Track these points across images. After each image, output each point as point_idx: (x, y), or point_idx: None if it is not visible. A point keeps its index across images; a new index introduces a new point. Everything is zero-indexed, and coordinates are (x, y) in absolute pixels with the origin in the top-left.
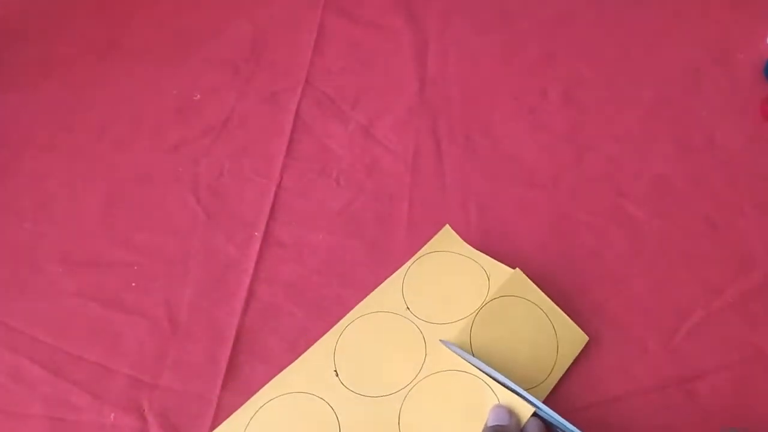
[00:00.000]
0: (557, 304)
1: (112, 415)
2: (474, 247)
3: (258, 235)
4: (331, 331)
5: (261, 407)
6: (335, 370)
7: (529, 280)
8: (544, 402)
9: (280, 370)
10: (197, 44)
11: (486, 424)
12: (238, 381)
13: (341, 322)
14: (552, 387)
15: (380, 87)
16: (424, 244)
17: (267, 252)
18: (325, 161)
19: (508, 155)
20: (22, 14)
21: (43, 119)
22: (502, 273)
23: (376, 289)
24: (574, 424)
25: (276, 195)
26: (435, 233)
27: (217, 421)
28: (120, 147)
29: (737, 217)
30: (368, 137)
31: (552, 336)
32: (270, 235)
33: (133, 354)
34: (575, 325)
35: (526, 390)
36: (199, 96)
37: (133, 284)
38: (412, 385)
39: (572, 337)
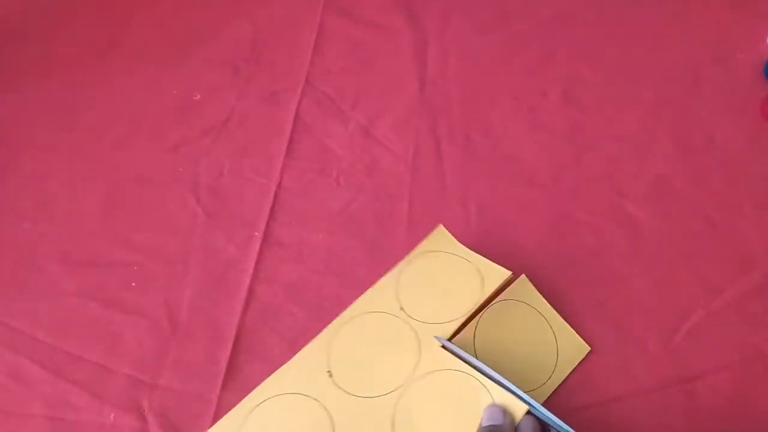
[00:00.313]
0: (557, 304)
1: (112, 415)
2: (474, 247)
3: (258, 235)
4: (324, 331)
5: (254, 409)
6: (329, 371)
7: (533, 288)
8: (543, 403)
9: None
10: (197, 44)
11: (480, 424)
12: (238, 381)
13: (335, 322)
14: (550, 392)
15: (380, 87)
16: None
17: (267, 252)
18: (325, 161)
19: (508, 155)
20: (22, 14)
21: (43, 119)
22: (496, 274)
23: (370, 289)
24: (570, 425)
25: (276, 195)
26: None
27: (217, 421)
28: (120, 147)
29: (737, 217)
30: (368, 137)
31: (552, 343)
32: (270, 235)
33: (133, 354)
34: (577, 335)
35: (526, 392)
36: (199, 96)
37: (133, 284)
38: (406, 385)
39: (573, 346)
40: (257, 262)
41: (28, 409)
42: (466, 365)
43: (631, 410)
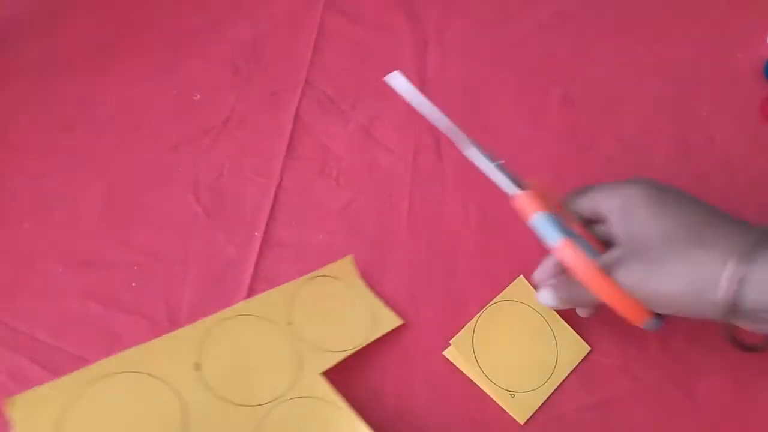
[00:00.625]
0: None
1: None
2: (475, 247)
3: (258, 235)
4: (204, 320)
5: (100, 379)
6: (197, 363)
7: (531, 288)
8: (542, 404)
9: None
10: (197, 44)
11: None
12: None
13: (218, 314)
14: (550, 392)
15: (380, 87)
16: (425, 244)
17: (267, 252)
18: (325, 161)
19: (508, 155)
20: (22, 14)
21: (43, 119)
22: (388, 320)
23: (265, 293)
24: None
25: (276, 195)
26: (435, 233)
27: None
28: (120, 147)
29: (737, 216)
30: (368, 137)
31: (552, 343)
32: (270, 235)
33: None
34: (577, 335)
35: (526, 392)
36: (199, 96)
37: (133, 284)
38: (276, 403)
39: (573, 346)
40: (257, 262)
41: None
42: (342, 401)
43: (631, 410)
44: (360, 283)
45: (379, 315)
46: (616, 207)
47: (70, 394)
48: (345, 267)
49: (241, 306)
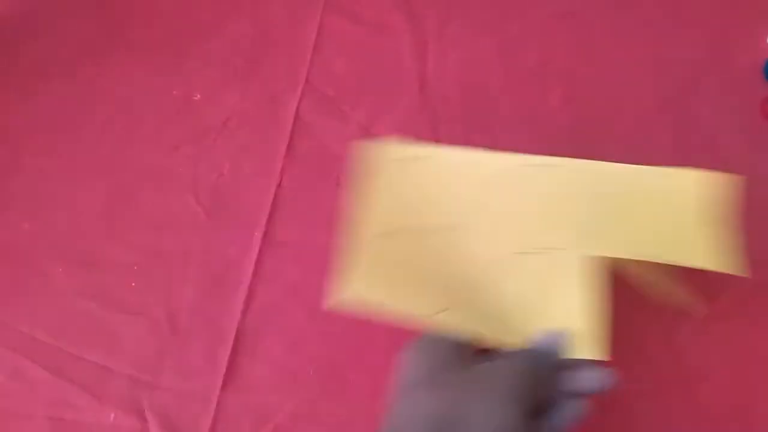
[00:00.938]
0: None
1: (112, 415)
2: None
3: (258, 235)
4: (532, 158)
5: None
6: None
7: None
8: None
9: (280, 370)
10: (197, 44)
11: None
12: (238, 381)
13: (547, 159)
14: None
15: (380, 87)
16: None
17: (267, 252)
18: (325, 161)
19: None
20: (22, 14)
21: (43, 119)
22: (726, 259)
23: (617, 164)
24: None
25: (276, 195)
26: None
27: (217, 421)
28: (120, 147)
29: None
30: (368, 137)
31: None
32: (270, 235)
33: (133, 354)
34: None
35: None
36: (199, 96)
37: (133, 284)
38: (538, 252)
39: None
40: (257, 262)
41: (29, 410)
42: (600, 293)
43: (632, 410)
44: (721, 208)
45: (719, 250)
46: None
47: (424, 155)
48: (713, 180)
49: (585, 162)
